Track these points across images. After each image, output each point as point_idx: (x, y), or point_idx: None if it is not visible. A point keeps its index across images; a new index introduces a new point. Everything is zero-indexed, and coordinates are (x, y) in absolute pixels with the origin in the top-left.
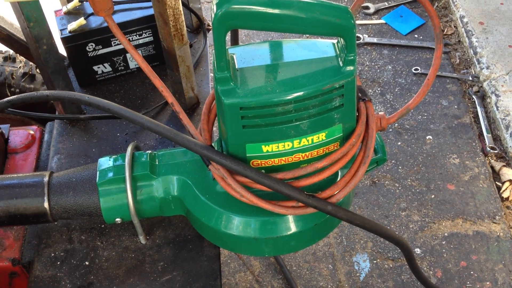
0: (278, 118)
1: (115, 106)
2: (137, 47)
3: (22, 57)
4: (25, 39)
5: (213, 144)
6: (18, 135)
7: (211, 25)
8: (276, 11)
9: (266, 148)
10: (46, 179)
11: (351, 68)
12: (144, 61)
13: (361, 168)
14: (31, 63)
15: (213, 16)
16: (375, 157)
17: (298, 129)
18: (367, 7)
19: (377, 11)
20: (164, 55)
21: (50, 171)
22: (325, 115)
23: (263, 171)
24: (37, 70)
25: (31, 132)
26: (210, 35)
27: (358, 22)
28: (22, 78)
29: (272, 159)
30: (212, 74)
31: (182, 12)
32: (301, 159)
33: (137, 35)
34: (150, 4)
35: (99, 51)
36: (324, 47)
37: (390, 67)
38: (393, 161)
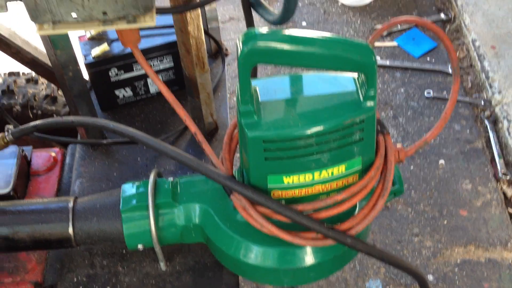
0: (299, 151)
1: (139, 135)
2: (157, 72)
3: (44, 79)
4: (49, 64)
5: (234, 173)
6: (40, 157)
7: (229, 50)
8: (299, 48)
9: (287, 180)
10: (70, 204)
11: (372, 103)
12: (168, 91)
13: (380, 200)
14: (53, 85)
15: (239, 52)
16: (393, 188)
17: (318, 162)
18: None
19: (389, 34)
20: (185, 82)
21: (74, 196)
22: (345, 148)
23: (283, 201)
24: (59, 92)
25: (53, 154)
26: (228, 60)
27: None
28: (44, 100)
29: (293, 190)
30: (233, 101)
31: (204, 42)
32: (321, 190)
33: (158, 61)
34: (171, 30)
35: (121, 76)
36: (344, 81)
37: (402, 90)
38: (405, 185)
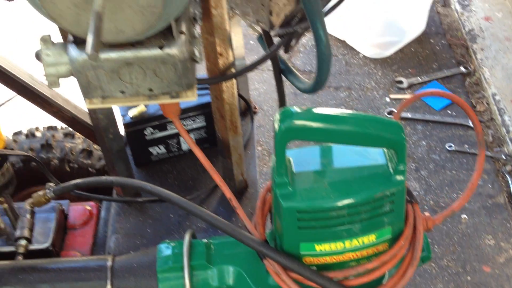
0: (332, 221)
1: (176, 198)
2: (190, 131)
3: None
4: (88, 122)
5: (266, 237)
6: (77, 211)
7: (257, 108)
8: (333, 127)
9: (319, 247)
10: (109, 263)
11: (401, 177)
12: (205, 158)
13: (409, 269)
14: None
15: (276, 129)
16: (421, 255)
17: (350, 231)
18: (400, 82)
19: (410, 86)
20: (217, 143)
21: (112, 254)
22: (375, 219)
23: (314, 267)
24: (95, 146)
25: (89, 208)
26: (256, 118)
27: (392, 96)
28: (80, 154)
29: (324, 257)
30: (260, 153)
31: (237, 107)
32: (352, 258)
33: (191, 120)
34: (204, 92)
35: (155, 135)
36: (375, 154)
37: (424, 142)
38: (429, 239)
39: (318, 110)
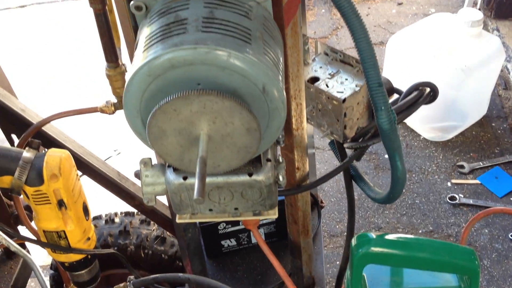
0: None
1: None
2: (260, 226)
3: None
4: (167, 215)
5: None
6: None
7: (324, 202)
8: (409, 254)
9: None
10: None
11: None
12: (280, 266)
13: None
14: None
15: (354, 254)
16: None
17: None
18: (462, 166)
19: (472, 171)
20: (288, 244)
21: None
22: None
23: None
24: (168, 233)
25: None
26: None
27: (453, 181)
28: (154, 241)
29: None
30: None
31: (310, 213)
32: None
33: None
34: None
35: (228, 229)
36: (448, 276)
37: (486, 230)
38: None
39: (393, 236)
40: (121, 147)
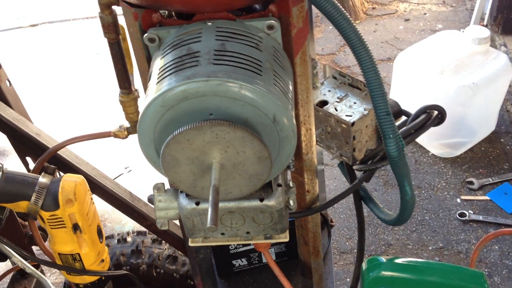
0: None
1: None
2: (270, 245)
3: None
4: (179, 235)
5: None
6: None
7: (334, 221)
8: (419, 278)
9: None
10: None
11: None
12: (291, 287)
13: None
14: None
15: (364, 278)
16: None
17: None
18: (471, 182)
19: (481, 187)
20: (299, 264)
21: None
22: None
23: None
24: (179, 253)
25: None
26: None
27: (462, 197)
28: (166, 260)
29: None
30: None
31: (320, 234)
32: None
33: None
34: None
35: (239, 249)
36: None
37: (496, 247)
38: None
39: (404, 260)
40: (131, 164)
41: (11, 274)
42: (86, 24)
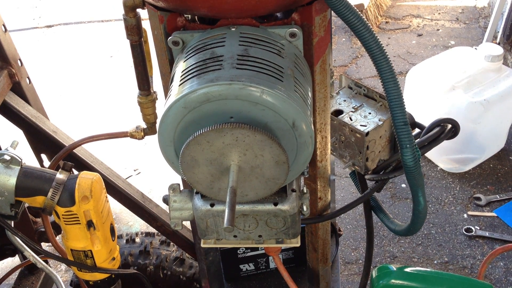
0: None
1: None
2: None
3: None
4: (188, 238)
5: None
6: None
7: (342, 230)
8: (428, 287)
9: None
10: None
11: None
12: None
13: None
14: None
15: (374, 284)
16: None
17: None
18: (478, 198)
19: (488, 203)
20: (307, 271)
21: None
22: None
23: None
24: (187, 255)
25: None
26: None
27: (469, 212)
28: (174, 262)
29: None
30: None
31: (329, 241)
32: None
33: None
34: None
35: (247, 254)
36: None
37: (502, 263)
38: None
39: (414, 269)
40: (140, 167)
41: (18, 270)
42: (101, 27)
